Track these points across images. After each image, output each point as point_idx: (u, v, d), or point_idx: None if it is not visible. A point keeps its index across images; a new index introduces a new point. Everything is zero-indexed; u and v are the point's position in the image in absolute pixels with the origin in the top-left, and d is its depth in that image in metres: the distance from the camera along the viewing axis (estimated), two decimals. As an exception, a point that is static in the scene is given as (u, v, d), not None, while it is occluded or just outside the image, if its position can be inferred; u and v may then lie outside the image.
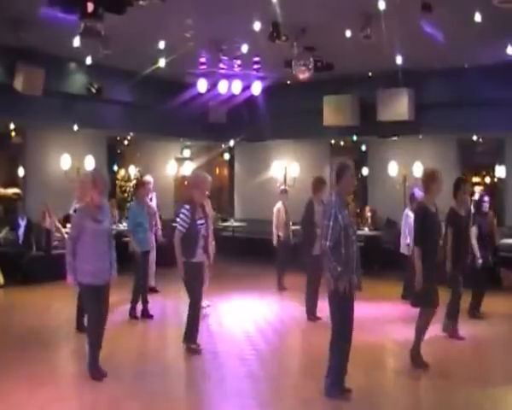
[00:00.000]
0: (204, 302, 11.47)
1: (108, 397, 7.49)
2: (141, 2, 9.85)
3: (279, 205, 14.63)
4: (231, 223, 20.74)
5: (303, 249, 11.62)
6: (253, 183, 20.88)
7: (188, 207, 9.13)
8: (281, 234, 14.47)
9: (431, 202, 8.52)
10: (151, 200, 13.40)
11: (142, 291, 11.68)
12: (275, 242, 14.53)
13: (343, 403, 7.29)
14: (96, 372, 7.96)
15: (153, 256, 13.02)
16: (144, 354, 9.40)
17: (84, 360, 8.33)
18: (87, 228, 7.78)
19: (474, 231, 11.42)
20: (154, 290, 13.46)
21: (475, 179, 17.76)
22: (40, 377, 8.03)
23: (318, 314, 11.35)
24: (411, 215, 13.02)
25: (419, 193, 12.93)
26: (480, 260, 11.36)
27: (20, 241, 14.98)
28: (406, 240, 13.12)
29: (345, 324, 7.34)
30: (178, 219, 9.20)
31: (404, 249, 13.27)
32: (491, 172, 17.53)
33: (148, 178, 13.33)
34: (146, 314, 11.64)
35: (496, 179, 17.44)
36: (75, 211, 9.48)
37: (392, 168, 17.75)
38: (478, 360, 9.45)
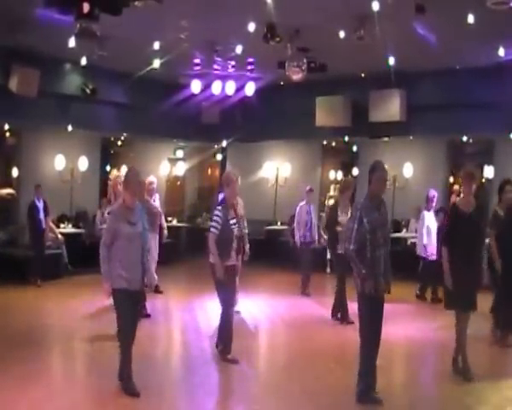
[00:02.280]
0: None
1: (99, 394, 7.48)
2: (136, 4, 9.93)
3: (302, 204, 14.11)
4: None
5: (328, 248, 11.71)
6: (245, 183, 20.75)
7: (220, 207, 8.78)
8: (301, 234, 13.98)
9: (464, 203, 8.21)
10: (154, 201, 13.42)
11: None
12: (297, 241, 13.96)
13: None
14: (130, 387, 7.42)
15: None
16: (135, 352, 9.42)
17: (78, 359, 8.35)
18: (121, 232, 7.29)
19: None
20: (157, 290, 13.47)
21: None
22: (33, 376, 8.00)
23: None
24: (427, 216, 13.21)
25: (432, 193, 13.20)
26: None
27: (43, 225, 14.57)
28: (423, 241, 13.25)
29: (372, 327, 7.13)
30: (212, 221, 8.78)
31: (421, 251, 13.40)
32: (479, 172, 17.63)
33: (152, 178, 13.35)
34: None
35: (484, 180, 17.56)
36: (109, 213, 8.93)
37: (383, 169, 17.85)
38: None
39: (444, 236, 8.30)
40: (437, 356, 9.51)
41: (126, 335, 7.42)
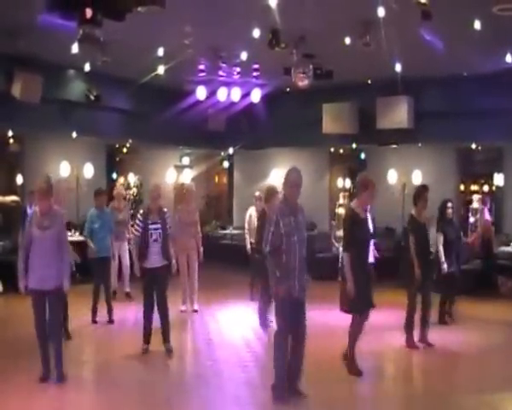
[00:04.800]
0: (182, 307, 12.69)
1: (107, 404, 7.48)
2: (140, 9, 9.81)
3: (251, 211, 14.07)
4: (230, 231, 20.66)
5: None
6: (251, 191, 20.75)
7: (141, 212, 9.83)
8: (252, 240, 13.71)
9: (360, 208, 8.58)
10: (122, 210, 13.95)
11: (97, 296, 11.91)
12: (248, 248, 13.94)
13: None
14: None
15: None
16: (141, 361, 9.35)
17: (84, 369, 8.32)
18: (33, 236, 7.96)
19: (439, 237, 11.59)
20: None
21: (474, 188, 17.77)
22: (38, 386, 7.94)
23: None
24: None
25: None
26: (445, 267, 11.45)
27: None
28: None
29: (284, 327, 7.45)
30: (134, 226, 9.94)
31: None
32: (489, 180, 17.53)
33: (120, 188, 14.39)
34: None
35: (494, 188, 17.43)
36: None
37: (392, 176, 17.74)
38: (474, 367, 9.42)
39: (346, 242, 8.51)
40: (450, 368, 9.33)
41: (36, 330, 8.05)
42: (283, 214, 7.38)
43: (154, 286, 9.58)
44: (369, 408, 7.85)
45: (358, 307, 8.40)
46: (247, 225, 14.10)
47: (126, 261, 13.72)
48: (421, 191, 10.38)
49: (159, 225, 9.55)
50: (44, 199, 7.94)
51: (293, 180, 7.51)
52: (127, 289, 13.99)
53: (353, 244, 8.35)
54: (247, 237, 13.99)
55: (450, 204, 11.85)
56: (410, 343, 10.02)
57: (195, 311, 12.74)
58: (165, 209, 9.85)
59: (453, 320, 11.89)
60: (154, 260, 9.53)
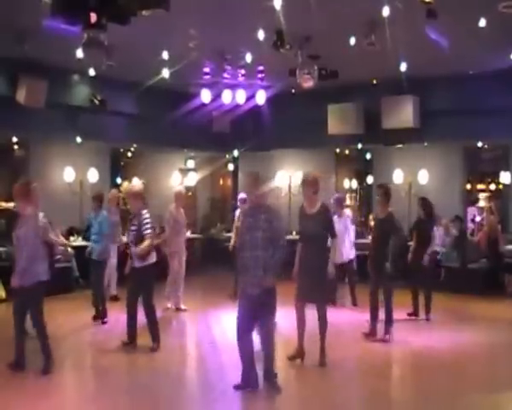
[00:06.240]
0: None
1: (113, 409, 7.44)
2: (144, 13, 9.78)
3: (238, 213, 14.23)
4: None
5: None
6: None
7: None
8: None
9: (308, 205, 9.00)
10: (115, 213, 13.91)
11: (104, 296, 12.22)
12: (231, 245, 14.30)
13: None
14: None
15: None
16: (143, 365, 9.30)
17: (90, 373, 8.28)
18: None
19: (414, 232, 12.29)
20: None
21: (480, 186, 17.71)
22: (43, 390, 7.94)
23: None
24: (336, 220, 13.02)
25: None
26: (410, 257, 12.09)
27: None
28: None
29: (239, 321, 7.83)
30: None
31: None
32: (496, 178, 17.46)
33: (114, 191, 14.35)
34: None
35: (501, 186, 17.37)
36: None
37: (398, 176, 17.67)
38: (481, 366, 9.42)
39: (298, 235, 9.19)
40: (458, 367, 9.26)
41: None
42: (245, 215, 8.06)
43: (133, 285, 9.91)
44: (372, 409, 7.80)
45: (296, 296, 9.00)
46: (234, 228, 14.36)
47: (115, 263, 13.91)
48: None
49: (136, 227, 9.75)
50: (18, 200, 8.47)
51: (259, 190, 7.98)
52: (114, 292, 14.06)
53: (300, 238, 9.03)
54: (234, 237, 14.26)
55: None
56: (372, 332, 10.49)
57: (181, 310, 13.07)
58: (144, 211, 9.87)
59: (418, 317, 12.12)
60: (134, 260, 9.81)
